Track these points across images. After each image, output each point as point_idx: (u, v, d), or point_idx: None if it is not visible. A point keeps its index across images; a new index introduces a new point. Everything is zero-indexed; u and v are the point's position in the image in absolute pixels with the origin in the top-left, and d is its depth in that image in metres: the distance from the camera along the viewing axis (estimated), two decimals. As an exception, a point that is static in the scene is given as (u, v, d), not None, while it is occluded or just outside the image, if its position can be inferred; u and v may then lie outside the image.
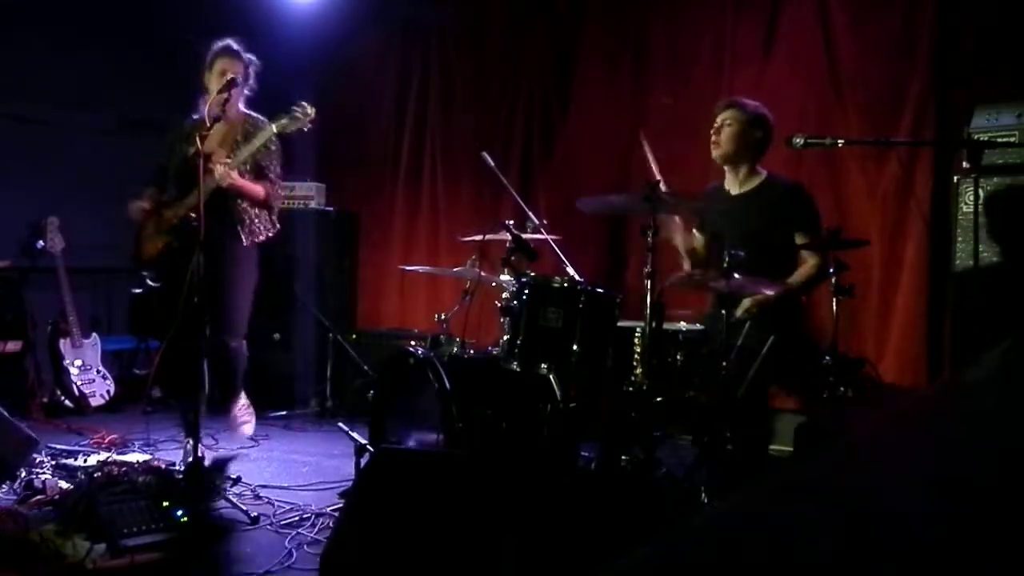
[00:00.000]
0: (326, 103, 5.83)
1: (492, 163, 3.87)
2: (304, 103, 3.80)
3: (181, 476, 3.15)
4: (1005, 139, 3.42)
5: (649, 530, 2.20)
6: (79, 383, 4.91)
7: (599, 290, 3.16)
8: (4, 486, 3.14)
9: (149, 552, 2.55)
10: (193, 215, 3.56)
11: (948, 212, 3.71)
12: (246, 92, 4.00)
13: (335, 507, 3.19)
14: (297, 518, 3.08)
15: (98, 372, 5.03)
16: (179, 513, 2.70)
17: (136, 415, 4.66)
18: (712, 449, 3.09)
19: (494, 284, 3.58)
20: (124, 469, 3.13)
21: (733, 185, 3.56)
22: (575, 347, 3.07)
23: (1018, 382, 0.85)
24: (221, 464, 3.68)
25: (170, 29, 5.46)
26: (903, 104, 4.01)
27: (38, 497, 3.03)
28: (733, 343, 3.02)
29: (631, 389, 3.10)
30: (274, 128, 3.79)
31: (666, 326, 3.05)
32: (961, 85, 3.89)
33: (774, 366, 3.03)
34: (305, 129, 3.82)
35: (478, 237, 3.60)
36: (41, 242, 4.96)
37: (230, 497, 3.20)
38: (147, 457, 3.59)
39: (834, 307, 3.08)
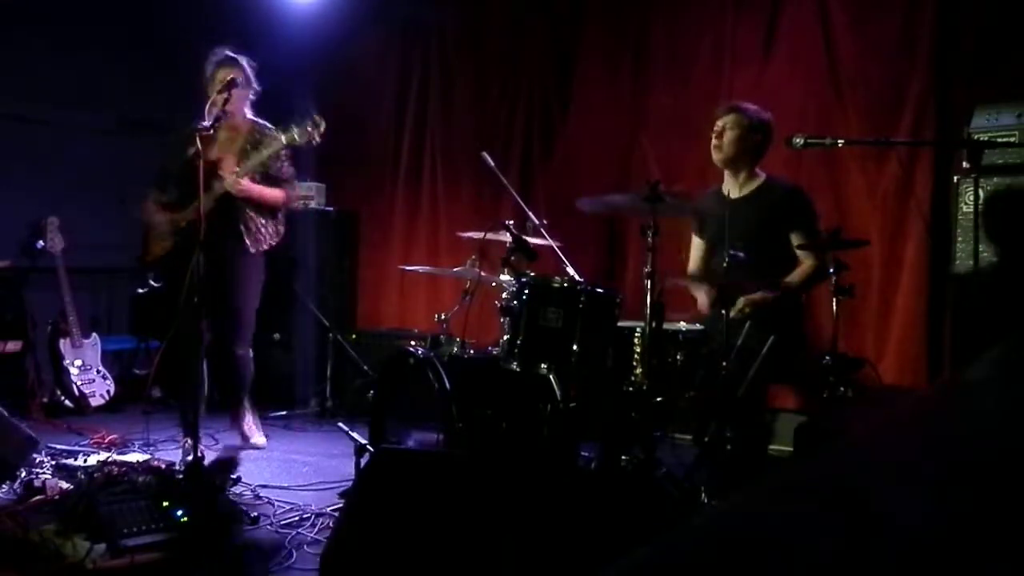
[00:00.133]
0: (326, 103, 5.85)
1: (492, 163, 3.87)
2: (315, 115, 3.81)
3: (181, 476, 3.15)
4: (1005, 139, 3.42)
5: (649, 530, 2.20)
6: (79, 383, 4.92)
7: (599, 290, 3.16)
8: (4, 486, 3.14)
9: (149, 552, 2.55)
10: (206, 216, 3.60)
11: (948, 212, 3.71)
12: (250, 97, 4.02)
13: (335, 507, 3.19)
14: (297, 518, 3.08)
15: (98, 372, 5.03)
16: (179, 513, 2.70)
17: (136, 415, 4.66)
18: (712, 449, 3.09)
19: (494, 284, 3.58)
20: (124, 469, 3.13)
21: (733, 188, 3.56)
22: (575, 347, 3.07)
23: (1018, 382, 0.85)
24: (222, 464, 3.68)
25: (170, 29, 5.47)
26: (903, 104, 4.01)
27: (38, 497, 3.03)
28: (733, 343, 3.02)
29: (631, 389, 3.10)
30: (283, 139, 3.82)
31: (666, 326, 3.05)
32: (961, 85, 3.89)
33: (774, 366, 3.03)
34: (314, 142, 3.83)
35: (478, 234, 3.60)
36: (41, 242, 4.96)
37: (230, 497, 3.20)
38: (147, 457, 3.59)
39: (834, 307, 3.08)
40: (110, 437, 4.15)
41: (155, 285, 4.10)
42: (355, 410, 4.82)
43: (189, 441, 3.29)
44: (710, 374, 3.08)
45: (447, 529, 2.19)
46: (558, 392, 3.05)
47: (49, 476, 3.24)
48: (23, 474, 3.21)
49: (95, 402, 4.94)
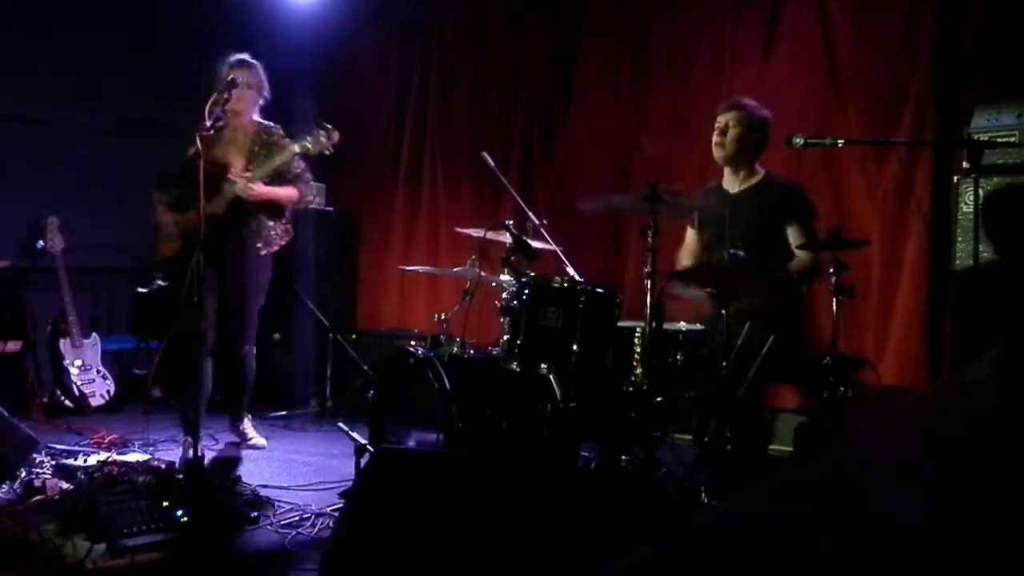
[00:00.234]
0: (326, 103, 5.88)
1: (492, 163, 3.87)
2: (329, 126, 3.84)
3: (181, 476, 3.15)
4: (1005, 139, 3.42)
5: (649, 530, 2.20)
6: (79, 383, 4.91)
7: (599, 290, 3.16)
8: (4, 486, 3.14)
9: (149, 552, 2.55)
10: (215, 219, 3.68)
11: (948, 212, 3.71)
12: (260, 102, 4.05)
13: (335, 507, 3.18)
14: (297, 518, 3.08)
15: (98, 372, 5.03)
16: (179, 513, 2.70)
17: (136, 415, 4.66)
18: (712, 449, 3.09)
19: (494, 284, 3.58)
20: (124, 469, 3.13)
21: (732, 184, 3.57)
22: (575, 347, 3.07)
23: (1018, 382, 0.85)
24: (222, 464, 3.68)
25: (170, 29, 5.47)
26: (903, 104, 4.01)
27: (38, 497, 3.03)
28: (733, 343, 3.02)
29: (631, 389, 3.10)
30: (296, 148, 3.86)
31: (666, 326, 3.05)
32: (961, 85, 3.89)
33: (774, 366, 3.03)
34: (327, 152, 3.87)
35: (478, 231, 3.61)
36: (41, 242, 4.96)
37: (230, 497, 3.20)
38: (147, 457, 3.59)
39: (834, 307, 3.08)
40: (110, 437, 4.15)
41: (163, 284, 4.11)
42: (355, 410, 4.82)
43: (189, 439, 3.29)
44: (710, 374, 3.08)
45: (447, 529, 2.19)
46: (558, 392, 3.05)
47: (49, 476, 3.24)
48: (23, 474, 3.21)
49: (95, 402, 4.94)
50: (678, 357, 3.12)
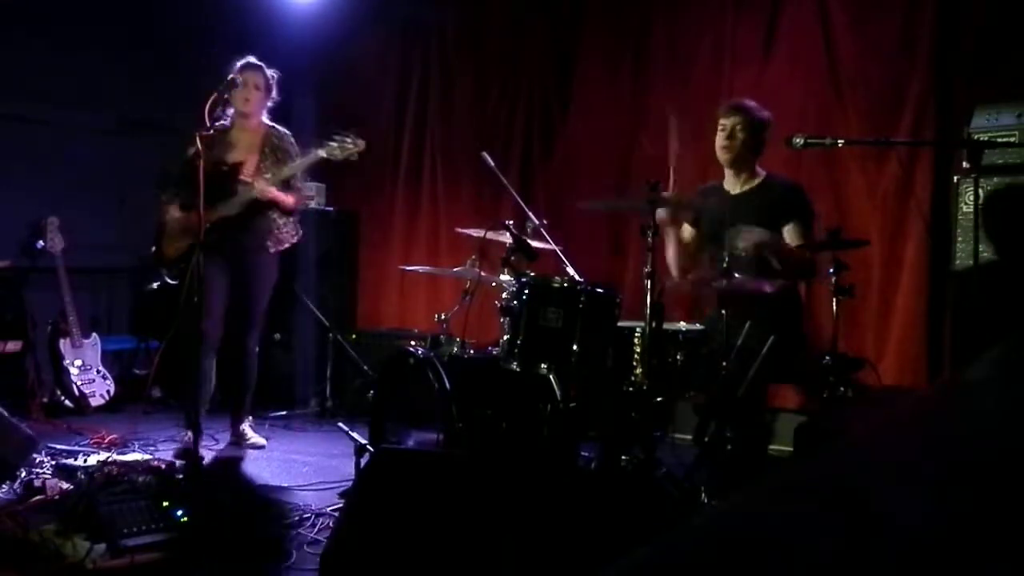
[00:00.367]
0: (326, 103, 5.88)
1: (492, 163, 3.87)
2: (358, 138, 3.90)
3: (181, 476, 3.15)
4: (1005, 139, 3.42)
5: (649, 530, 2.20)
6: (79, 383, 4.91)
7: (599, 290, 3.16)
8: (4, 486, 3.14)
9: (149, 552, 2.55)
10: (228, 219, 3.77)
11: (948, 212, 3.71)
12: (268, 103, 4.09)
13: (335, 507, 3.18)
14: (297, 518, 3.08)
15: (98, 372, 5.03)
16: (179, 513, 2.70)
17: (136, 415, 4.66)
18: (712, 449, 3.09)
19: (494, 284, 3.58)
20: (124, 469, 3.12)
21: (733, 185, 3.56)
22: (575, 347, 3.07)
23: (1018, 382, 0.85)
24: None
25: (170, 29, 5.47)
26: (903, 104, 4.01)
27: (38, 497, 3.03)
28: (733, 343, 3.02)
29: (631, 389, 3.10)
30: (322, 153, 3.91)
31: (666, 326, 3.05)
32: (961, 85, 3.89)
33: (774, 366, 3.03)
34: (353, 159, 3.93)
35: (478, 231, 3.61)
36: (41, 242, 4.96)
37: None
38: (147, 457, 3.59)
39: (834, 307, 3.08)
40: (110, 437, 4.14)
41: (170, 282, 4.11)
42: (355, 410, 4.82)
43: (187, 435, 3.30)
44: (710, 374, 3.08)
45: (447, 529, 2.19)
46: (558, 392, 3.05)
47: (49, 476, 3.24)
48: (23, 474, 3.21)
49: (95, 402, 4.94)
50: (678, 357, 3.12)
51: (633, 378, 3.10)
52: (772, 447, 3.76)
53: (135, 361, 5.44)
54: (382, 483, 2.35)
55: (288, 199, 4.02)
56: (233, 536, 2.77)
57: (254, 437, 4.23)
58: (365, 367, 5.01)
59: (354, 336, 5.36)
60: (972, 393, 0.88)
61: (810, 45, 4.30)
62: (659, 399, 3.07)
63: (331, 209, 5.69)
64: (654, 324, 2.91)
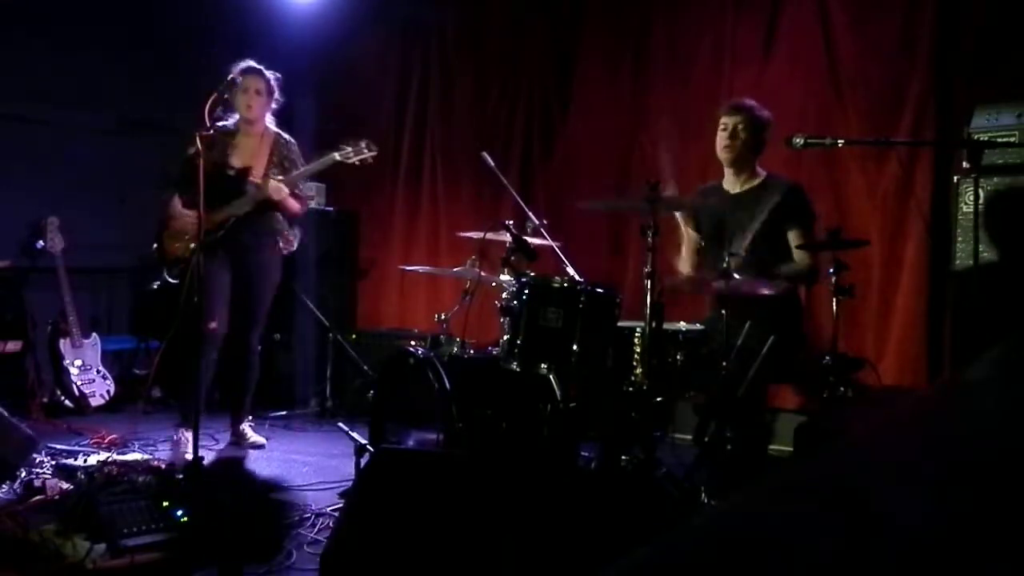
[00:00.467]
0: (326, 103, 5.88)
1: (492, 163, 3.87)
2: (373, 144, 3.97)
3: (181, 476, 3.15)
4: (1005, 139, 3.41)
5: (649, 530, 2.20)
6: (79, 383, 4.91)
7: (599, 290, 3.16)
8: (4, 486, 3.14)
9: (149, 552, 2.55)
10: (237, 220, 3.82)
11: (948, 212, 3.71)
12: (272, 105, 4.12)
13: (335, 507, 3.19)
14: (297, 518, 3.08)
15: (98, 372, 5.03)
16: (179, 513, 2.70)
17: (136, 415, 4.66)
18: (712, 449, 3.09)
19: (494, 284, 3.58)
20: (124, 469, 3.12)
21: (733, 185, 3.56)
22: (575, 347, 3.07)
23: (1018, 382, 0.85)
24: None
25: (170, 29, 5.47)
26: (903, 104, 4.01)
27: (38, 497, 3.03)
28: (733, 343, 3.02)
29: (631, 389, 3.10)
30: (337, 156, 3.96)
31: (666, 326, 3.05)
32: (961, 85, 3.89)
33: (774, 366, 3.03)
34: (367, 163, 3.99)
35: (478, 234, 3.61)
36: (41, 242, 4.96)
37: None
38: (147, 457, 3.59)
39: (834, 307, 3.08)
40: (110, 437, 4.15)
41: (172, 282, 4.12)
42: (355, 410, 4.82)
43: (183, 435, 3.30)
44: (710, 374, 3.08)
45: (447, 529, 2.19)
46: (558, 392, 3.05)
47: (49, 476, 3.23)
48: (23, 474, 3.21)
49: (95, 402, 4.94)
50: (678, 357, 3.12)
51: (633, 378, 3.10)
52: (772, 447, 3.76)
53: (135, 361, 5.45)
54: (382, 483, 2.35)
55: (295, 204, 4.07)
56: (233, 536, 2.77)
57: (254, 437, 4.23)
58: (365, 367, 5.01)
59: (354, 336, 5.36)
60: (972, 393, 0.88)
61: (810, 45, 4.29)
62: (659, 399, 3.07)
63: (331, 209, 5.69)
64: (654, 324, 2.91)
